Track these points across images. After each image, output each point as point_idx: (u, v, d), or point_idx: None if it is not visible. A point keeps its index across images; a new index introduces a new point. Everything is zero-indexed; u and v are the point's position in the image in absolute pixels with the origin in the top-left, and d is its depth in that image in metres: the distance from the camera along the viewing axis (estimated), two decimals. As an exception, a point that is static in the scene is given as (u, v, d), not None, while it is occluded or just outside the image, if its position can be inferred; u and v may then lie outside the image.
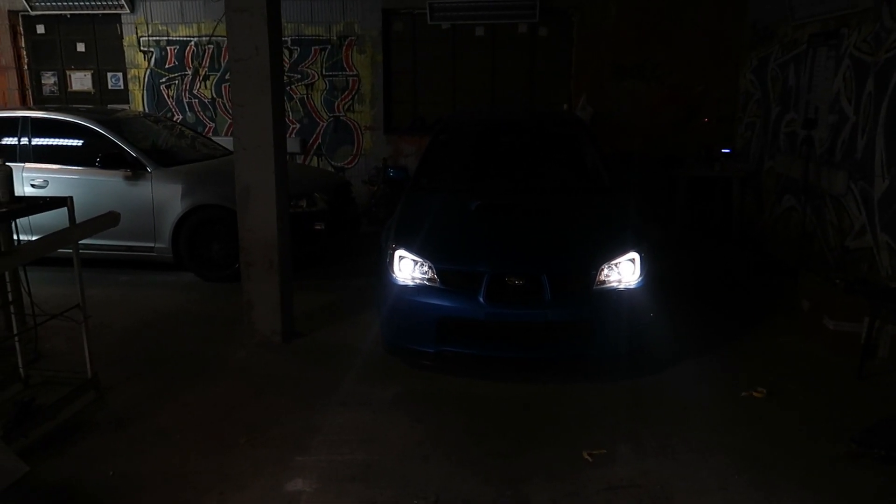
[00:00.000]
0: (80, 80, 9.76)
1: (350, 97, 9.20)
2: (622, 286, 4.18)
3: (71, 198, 3.74)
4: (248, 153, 4.63)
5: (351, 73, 9.13)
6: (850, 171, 5.64)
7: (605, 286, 4.17)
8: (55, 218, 3.87)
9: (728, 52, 8.33)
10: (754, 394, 4.08)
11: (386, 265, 4.43)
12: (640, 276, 4.23)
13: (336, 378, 4.31)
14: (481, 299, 4.08)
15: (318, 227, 6.44)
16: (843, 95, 5.83)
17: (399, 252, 4.36)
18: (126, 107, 9.48)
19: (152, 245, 6.38)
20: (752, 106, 8.03)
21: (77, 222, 3.76)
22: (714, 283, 6.39)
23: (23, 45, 9.72)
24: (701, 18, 8.30)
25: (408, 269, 4.31)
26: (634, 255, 4.25)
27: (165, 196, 6.28)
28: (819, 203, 6.17)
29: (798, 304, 5.21)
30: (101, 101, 9.70)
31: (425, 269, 4.27)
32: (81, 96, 9.78)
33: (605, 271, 4.18)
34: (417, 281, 4.27)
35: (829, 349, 4.68)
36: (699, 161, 8.11)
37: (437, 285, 4.22)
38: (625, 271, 4.21)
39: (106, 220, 3.94)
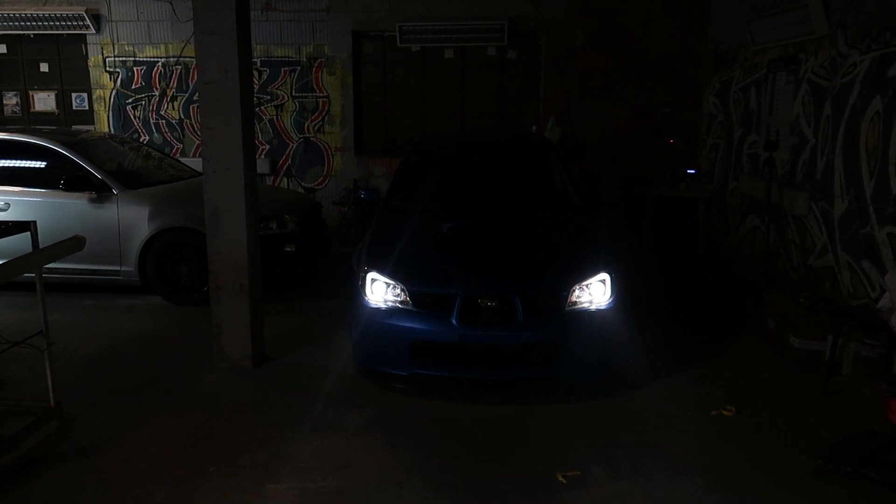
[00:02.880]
0: (44, 101, 9.60)
1: (320, 118, 9.20)
2: (593, 307, 4.22)
3: (34, 222, 3.66)
4: (217, 175, 4.58)
5: (321, 95, 9.13)
6: (811, 192, 5.79)
7: (576, 307, 4.21)
8: (18, 242, 3.78)
9: (692, 75, 8.54)
10: (724, 412, 4.13)
11: (358, 288, 4.41)
12: (611, 296, 4.27)
13: (308, 402, 4.26)
14: (454, 321, 4.08)
15: (289, 249, 6.39)
16: (802, 118, 6.00)
17: (371, 274, 4.35)
18: (91, 128, 9.33)
19: (118, 268, 6.26)
20: (715, 128, 8.22)
21: (41, 247, 3.67)
22: (682, 303, 6.48)
23: (-17, 65, 9.55)
24: (665, 42, 8.50)
25: (380, 291, 4.29)
26: (605, 275, 4.30)
27: (132, 218, 6.18)
28: (782, 223, 6.32)
29: (764, 323, 5.32)
30: (66, 122, 9.54)
31: (398, 291, 4.26)
32: (45, 117, 9.60)
33: (577, 292, 4.22)
34: (390, 303, 4.26)
35: (795, 367, 4.77)
36: (665, 181, 8.27)
37: (410, 308, 4.22)
38: (596, 292, 4.26)
39: (70, 245, 3.86)
